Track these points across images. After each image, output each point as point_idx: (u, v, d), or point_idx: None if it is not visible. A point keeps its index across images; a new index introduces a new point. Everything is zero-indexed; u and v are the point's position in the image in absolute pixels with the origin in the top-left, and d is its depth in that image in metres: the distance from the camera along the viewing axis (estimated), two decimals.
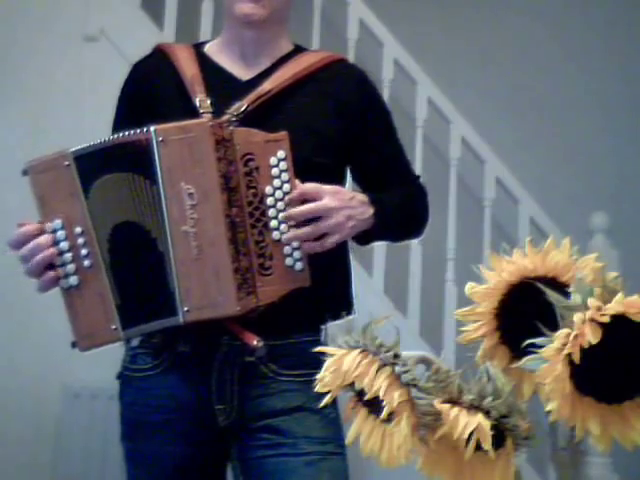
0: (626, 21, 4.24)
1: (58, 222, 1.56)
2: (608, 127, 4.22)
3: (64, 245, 1.56)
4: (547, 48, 4.29)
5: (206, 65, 1.72)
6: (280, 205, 1.56)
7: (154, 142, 1.51)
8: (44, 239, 1.55)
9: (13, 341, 3.24)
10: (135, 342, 1.68)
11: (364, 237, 1.66)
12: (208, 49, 1.78)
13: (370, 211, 1.62)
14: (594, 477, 3.11)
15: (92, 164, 1.55)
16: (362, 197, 1.63)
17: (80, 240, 1.56)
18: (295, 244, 1.56)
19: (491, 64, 4.29)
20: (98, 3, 3.53)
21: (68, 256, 1.56)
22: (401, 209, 1.73)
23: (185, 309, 1.52)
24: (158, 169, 1.51)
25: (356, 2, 3.74)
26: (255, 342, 1.57)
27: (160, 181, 1.51)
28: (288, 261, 1.56)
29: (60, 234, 1.56)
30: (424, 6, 4.30)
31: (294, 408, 1.63)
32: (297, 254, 1.56)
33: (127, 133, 1.54)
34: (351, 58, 3.19)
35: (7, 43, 3.45)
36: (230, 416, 1.63)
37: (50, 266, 1.57)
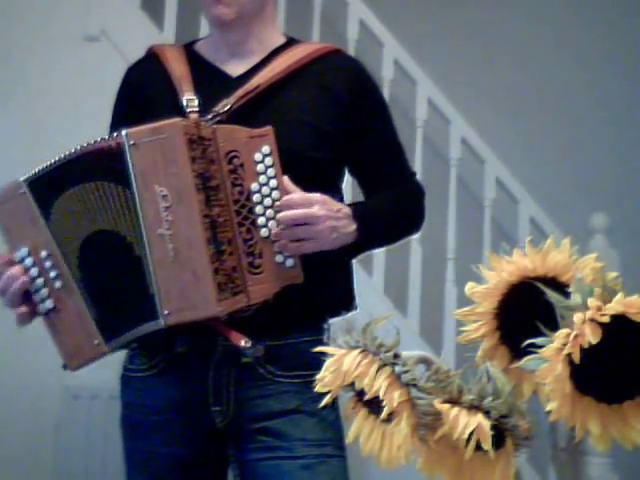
0: (627, 22, 4.24)
1: (24, 250, 1.57)
2: (608, 127, 4.22)
3: (34, 271, 1.56)
4: (547, 48, 4.29)
5: (197, 64, 1.72)
6: (267, 201, 1.54)
7: (126, 146, 1.49)
8: (15, 270, 1.56)
9: (13, 341, 3.23)
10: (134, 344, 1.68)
11: (349, 251, 1.64)
12: (199, 47, 1.77)
13: (353, 226, 1.59)
14: (594, 477, 3.11)
15: (49, 184, 1.55)
16: (347, 210, 1.60)
17: (47, 263, 1.56)
18: (285, 241, 1.54)
19: (491, 64, 4.29)
20: (98, 3, 3.53)
21: (40, 281, 1.56)
22: (390, 216, 1.71)
23: (165, 312, 1.49)
24: (131, 173, 1.49)
25: (356, 2, 3.74)
26: (243, 343, 1.55)
27: (134, 185, 1.49)
28: (278, 258, 1.54)
29: (28, 261, 1.56)
30: (424, 6, 4.30)
31: (291, 410, 1.62)
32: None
33: (99, 139, 1.53)
34: None
35: (7, 43, 3.45)
36: (227, 417, 1.62)
37: (27, 296, 1.57)
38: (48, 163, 1.55)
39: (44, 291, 1.56)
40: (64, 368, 1.59)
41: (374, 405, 0.98)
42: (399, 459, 0.97)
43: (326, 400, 1.01)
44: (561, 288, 0.96)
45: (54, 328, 1.57)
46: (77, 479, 3.23)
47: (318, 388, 0.99)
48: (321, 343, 1.62)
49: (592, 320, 0.88)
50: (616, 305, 0.88)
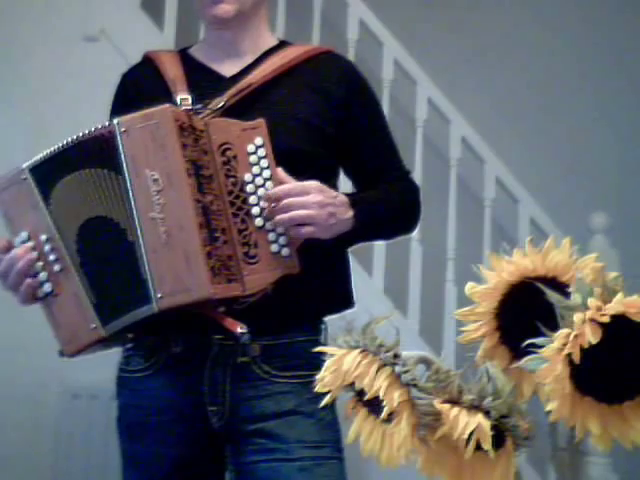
0: (627, 21, 4.24)
1: (24, 234, 1.58)
2: (608, 127, 4.22)
3: (33, 254, 1.57)
4: (547, 48, 4.29)
5: (191, 66, 1.74)
6: (261, 192, 1.55)
7: (117, 133, 1.51)
8: (15, 252, 1.57)
9: (13, 341, 3.24)
10: (129, 343, 1.68)
11: (345, 239, 1.64)
12: (193, 51, 1.81)
13: (350, 213, 1.60)
14: (594, 477, 3.11)
15: (49, 170, 1.56)
16: (344, 198, 1.61)
17: (47, 247, 1.57)
18: (280, 230, 1.55)
19: (491, 64, 4.29)
20: (98, 3, 3.54)
21: (38, 265, 1.57)
22: (385, 210, 1.72)
23: (158, 296, 1.49)
24: (123, 159, 1.51)
25: (356, 2, 3.74)
26: (239, 329, 1.54)
27: (125, 170, 1.51)
28: (274, 247, 1.55)
29: (28, 245, 1.57)
30: (424, 6, 4.30)
31: (287, 411, 1.61)
32: (283, 240, 1.55)
33: (92, 129, 1.55)
34: (351, 58, 3.18)
35: (7, 43, 3.45)
36: (223, 418, 1.62)
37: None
38: (47, 151, 1.56)
39: (43, 275, 1.57)
40: (60, 355, 1.58)
41: (374, 405, 0.98)
42: (399, 459, 0.97)
43: (326, 400, 1.01)
44: (561, 288, 0.96)
45: (52, 312, 1.58)
46: (76, 479, 3.23)
47: (318, 388, 0.99)
48: (318, 343, 1.64)
49: (592, 320, 0.88)
50: (616, 305, 0.88)
